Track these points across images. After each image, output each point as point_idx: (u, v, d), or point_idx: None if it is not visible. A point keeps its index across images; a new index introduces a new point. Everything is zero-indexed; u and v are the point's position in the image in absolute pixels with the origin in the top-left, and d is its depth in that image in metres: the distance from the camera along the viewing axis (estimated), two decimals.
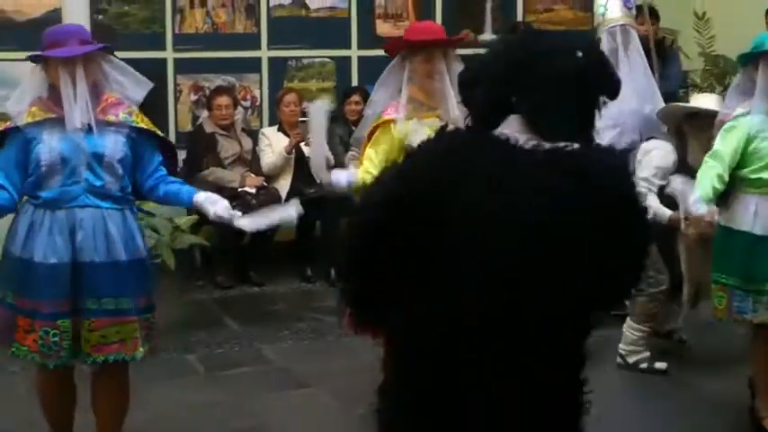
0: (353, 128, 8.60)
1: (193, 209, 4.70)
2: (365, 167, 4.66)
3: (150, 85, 4.44)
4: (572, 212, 2.55)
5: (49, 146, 4.21)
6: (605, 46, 6.05)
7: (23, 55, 7.49)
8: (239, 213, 4.49)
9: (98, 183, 4.26)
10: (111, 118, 4.29)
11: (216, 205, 4.41)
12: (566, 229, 2.55)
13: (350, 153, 8.41)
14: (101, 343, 4.27)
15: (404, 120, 4.63)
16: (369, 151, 4.71)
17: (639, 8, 6.85)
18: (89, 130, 4.22)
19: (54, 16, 8.05)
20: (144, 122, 4.42)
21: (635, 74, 6.14)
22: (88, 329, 4.26)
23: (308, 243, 8.25)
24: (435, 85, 4.71)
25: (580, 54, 2.64)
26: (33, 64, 4.36)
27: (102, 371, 4.43)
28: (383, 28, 9.48)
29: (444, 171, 2.61)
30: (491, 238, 2.56)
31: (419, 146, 2.73)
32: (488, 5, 9.68)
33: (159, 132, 4.57)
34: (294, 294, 7.86)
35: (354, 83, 9.29)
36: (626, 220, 2.62)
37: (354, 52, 9.37)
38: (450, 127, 2.83)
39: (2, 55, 8.27)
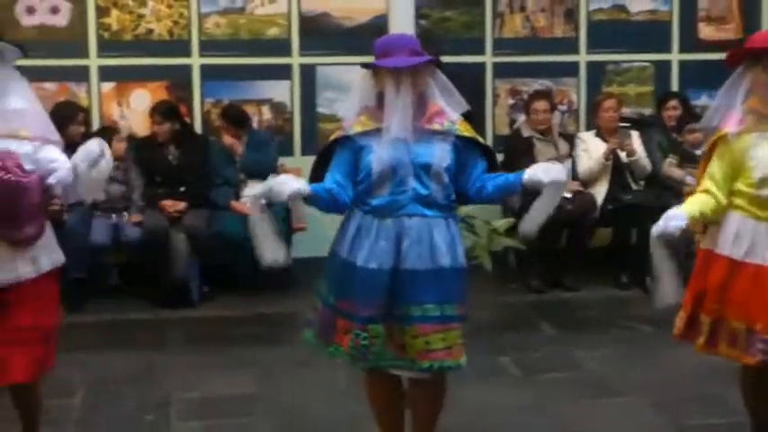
0: (672, 134, 8.44)
1: (523, 191, 4.55)
2: (705, 186, 4.44)
3: (467, 107, 4.45)
4: None
5: (378, 155, 4.27)
6: None
7: (350, 60, 7.91)
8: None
9: (425, 191, 4.28)
10: (437, 127, 4.32)
11: (550, 172, 4.25)
12: None
13: (668, 160, 8.24)
14: (425, 349, 4.26)
15: (743, 133, 4.36)
16: (709, 169, 4.45)
17: None
18: (416, 139, 4.26)
19: (380, 21, 8.36)
20: (467, 131, 4.43)
21: None
22: (412, 336, 4.27)
23: (623, 250, 8.13)
24: None
25: None
26: (365, 71, 4.42)
27: (425, 378, 4.40)
28: (706, 31, 9.24)
29: None
30: None
31: None
32: None
33: (482, 140, 4.55)
34: (608, 301, 7.76)
35: (674, 88, 9.09)
36: None
37: (675, 56, 9.18)
38: None
39: (330, 59, 8.65)
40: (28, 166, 4.07)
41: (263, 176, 7.98)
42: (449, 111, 4.36)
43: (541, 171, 4.28)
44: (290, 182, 4.18)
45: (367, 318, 4.26)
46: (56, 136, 4.26)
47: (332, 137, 4.47)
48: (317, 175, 4.46)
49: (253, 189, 4.31)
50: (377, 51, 4.36)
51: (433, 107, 4.35)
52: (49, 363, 4.30)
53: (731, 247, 4.41)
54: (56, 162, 4.17)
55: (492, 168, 4.53)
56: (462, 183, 4.43)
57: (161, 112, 8.06)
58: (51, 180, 4.13)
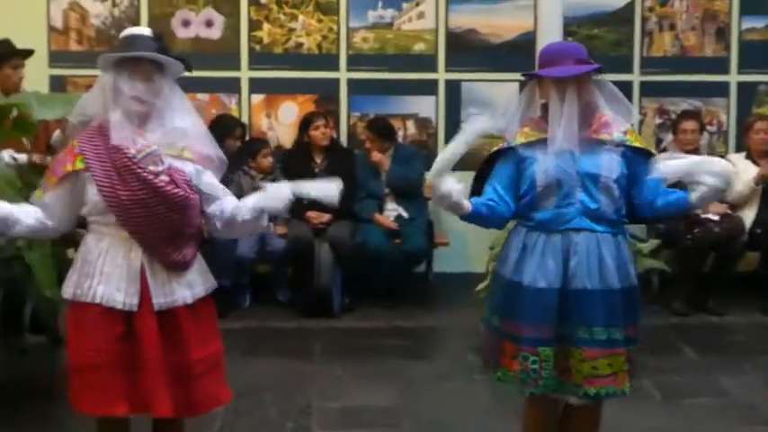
0: None
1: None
2: None
3: (637, 117, 4.34)
4: None
5: (543, 167, 4.12)
6: None
7: (496, 76, 7.92)
8: None
9: (593, 205, 4.12)
10: (605, 137, 4.15)
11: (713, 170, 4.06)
12: None
13: None
14: (592, 375, 4.13)
15: None
16: None
17: None
18: (583, 150, 4.11)
19: (527, 39, 8.37)
20: (638, 141, 4.25)
21: None
22: (579, 359, 4.13)
23: None
24: None
25: None
26: (530, 82, 4.29)
27: (585, 404, 4.28)
28: None
29: None
30: None
31: None
32: None
33: (653, 151, 4.35)
34: (754, 326, 7.58)
35: None
36: None
37: None
38: None
39: (476, 75, 8.69)
40: None
41: (409, 192, 8.13)
42: (617, 120, 4.19)
43: (708, 176, 4.05)
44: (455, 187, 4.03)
45: (536, 339, 4.12)
46: (218, 153, 4.18)
47: (494, 148, 4.31)
48: (476, 188, 4.32)
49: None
50: (541, 60, 4.26)
51: (601, 117, 4.17)
52: (223, 394, 4.24)
53: None
54: (221, 198, 4.12)
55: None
56: (633, 196, 4.22)
57: (324, 116, 8.26)
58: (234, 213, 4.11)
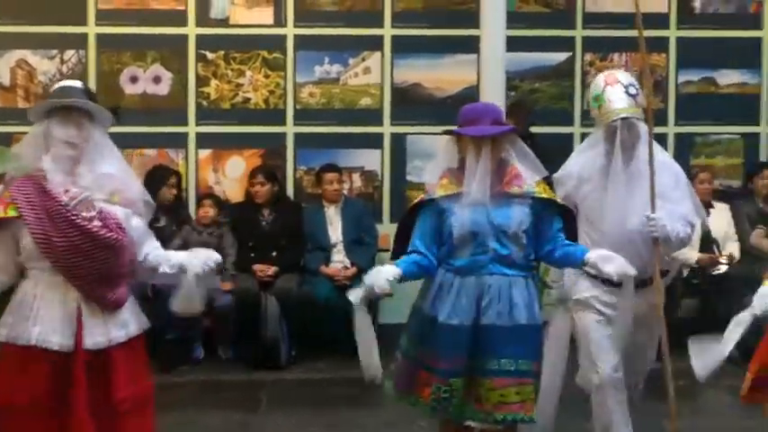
0: (760, 205, 8.43)
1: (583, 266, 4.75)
2: None
3: (545, 173, 4.63)
4: None
5: (460, 219, 4.45)
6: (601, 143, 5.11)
7: (440, 129, 8.03)
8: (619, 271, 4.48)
9: (504, 252, 4.47)
10: (516, 190, 4.50)
11: (611, 264, 4.46)
12: None
13: (756, 230, 8.24)
14: (501, 402, 4.43)
15: None
16: None
17: None
18: (496, 203, 4.45)
19: (471, 92, 8.52)
20: (546, 192, 4.61)
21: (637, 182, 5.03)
22: (488, 388, 4.45)
23: (710, 321, 8.08)
24: None
25: None
26: (448, 137, 4.63)
27: (497, 428, 4.57)
28: None
29: None
30: None
31: None
32: None
33: (560, 201, 4.75)
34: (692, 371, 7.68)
35: (763, 159, 9.09)
36: None
37: (765, 129, 9.18)
38: None
39: (420, 129, 8.83)
40: None
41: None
42: (527, 174, 4.54)
43: (601, 260, 4.49)
44: (382, 271, 4.41)
45: (448, 371, 4.44)
46: (146, 197, 4.33)
47: (416, 200, 4.69)
48: (401, 238, 4.68)
49: (355, 294, 4.49)
50: (462, 118, 4.59)
51: (512, 170, 4.53)
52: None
53: None
54: (146, 243, 4.29)
55: (569, 229, 4.69)
56: (538, 242, 4.59)
57: (264, 172, 8.31)
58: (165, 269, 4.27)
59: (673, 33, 9.06)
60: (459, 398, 4.47)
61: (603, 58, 9.10)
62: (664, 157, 5.25)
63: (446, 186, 4.54)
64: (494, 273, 4.47)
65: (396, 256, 4.71)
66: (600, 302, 5.13)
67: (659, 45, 9.03)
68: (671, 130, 9.12)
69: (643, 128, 5.08)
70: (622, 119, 4.98)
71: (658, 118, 8.97)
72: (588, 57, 9.08)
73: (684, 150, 9.08)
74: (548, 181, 4.81)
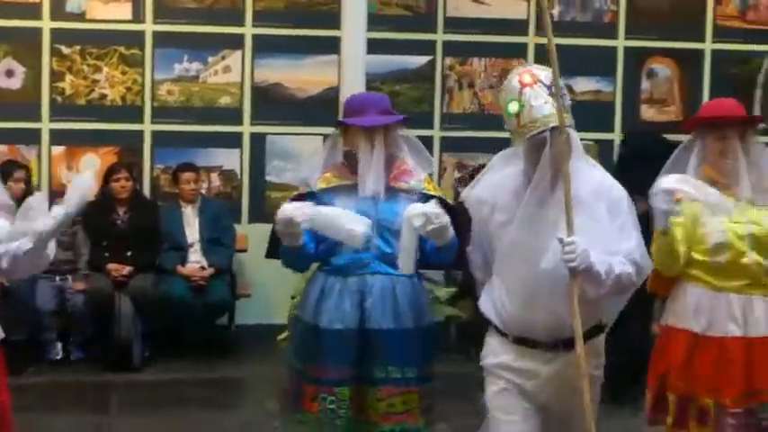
0: None
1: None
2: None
3: (432, 167, 4.50)
4: None
5: None
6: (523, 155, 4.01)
7: (300, 130, 8.05)
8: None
9: (388, 250, 4.26)
10: (403, 185, 4.33)
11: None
12: None
13: None
14: (389, 412, 4.27)
15: (692, 201, 4.13)
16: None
17: None
18: (380, 197, 4.26)
19: (332, 94, 8.51)
20: (434, 189, 4.43)
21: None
22: (376, 398, 4.27)
23: None
24: (729, 163, 4.28)
25: None
26: (333, 130, 4.47)
27: None
28: (648, 113, 9.48)
29: None
30: None
31: None
32: (758, 93, 9.49)
33: (447, 199, 4.51)
34: None
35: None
36: None
37: (618, 136, 9.39)
38: None
39: (281, 129, 8.79)
40: None
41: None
42: (416, 169, 4.38)
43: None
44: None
45: (333, 380, 4.24)
46: (4, 198, 4.10)
47: (294, 193, 4.46)
48: (276, 238, 4.34)
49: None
50: (348, 109, 4.43)
51: (401, 165, 4.37)
52: None
53: (692, 320, 4.31)
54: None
55: (457, 229, 4.39)
56: (424, 242, 4.31)
57: (125, 168, 8.17)
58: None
59: (531, 40, 9.20)
60: (345, 409, 4.27)
61: (463, 62, 9.19)
62: (601, 178, 4.05)
63: (328, 180, 4.36)
64: (377, 272, 4.27)
65: (270, 254, 4.51)
66: (511, 371, 4.08)
67: (518, 51, 9.16)
68: None
69: (576, 139, 3.95)
70: (551, 129, 3.83)
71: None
72: (449, 61, 9.15)
73: None
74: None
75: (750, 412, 4.30)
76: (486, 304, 4.16)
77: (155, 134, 8.74)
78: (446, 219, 4.09)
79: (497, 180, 4.09)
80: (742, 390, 4.27)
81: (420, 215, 4.02)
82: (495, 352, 4.13)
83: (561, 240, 3.76)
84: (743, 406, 4.28)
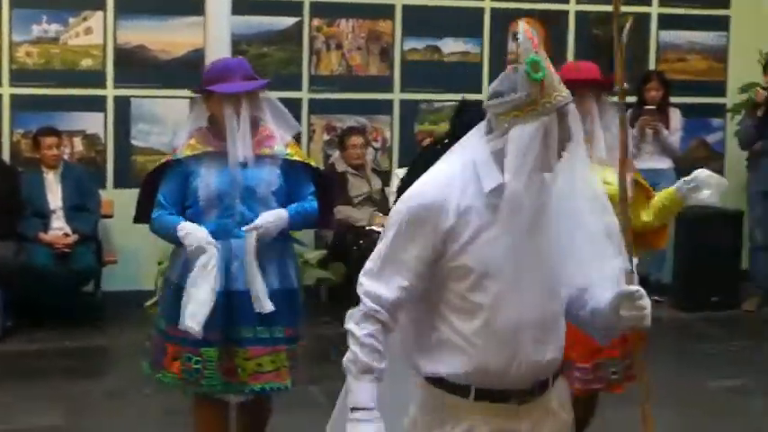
0: None
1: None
2: None
3: (298, 129, 4.53)
4: None
5: (206, 181, 4.29)
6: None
7: (165, 93, 7.90)
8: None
9: (252, 216, 4.31)
10: (267, 151, 4.36)
11: None
12: None
13: None
14: (257, 372, 4.32)
15: None
16: None
17: None
18: (245, 163, 4.28)
19: (197, 56, 8.36)
20: (298, 155, 4.48)
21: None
22: (244, 358, 4.31)
23: None
24: (585, 126, 3.99)
25: None
26: (195, 96, 4.51)
27: (253, 400, 4.51)
28: None
29: None
30: None
31: None
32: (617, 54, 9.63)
33: (313, 164, 4.60)
34: None
35: None
36: None
37: (486, 96, 9.44)
38: None
39: (145, 92, 8.61)
40: None
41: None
42: (280, 134, 4.41)
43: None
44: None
45: (199, 341, 4.23)
46: None
47: (161, 161, 4.49)
48: (145, 201, 4.45)
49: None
50: (209, 76, 4.40)
51: (264, 130, 4.38)
52: None
53: None
54: None
55: (324, 192, 4.58)
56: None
57: None
58: None
59: (399, 1, 9.18)
60: (212, 369, 4.29)
61: (331, 24, 9.12)
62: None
63: (193, 146, 4.35)
64: (241, 237, 4.29)
65: (139, 219, 4.54)
66: None
67: (386, 12, 9.15)
68: (396, 96, 9.25)
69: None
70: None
71: (384, 84, 9.18)
72: (316, 22, 9.08)
73: (409, 117, 9.24)
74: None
75: (597, 366, 4.43)
76: (435, 356, 2.97)
77: (14, 98, 8.46)
78: (274, 220, 4.31)
79: (461, 176, 2.96)
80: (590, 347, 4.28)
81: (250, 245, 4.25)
82: (445, 422, 2.95)
83: (625, 290, 2.90)
84: (590, 362, 4.39)
